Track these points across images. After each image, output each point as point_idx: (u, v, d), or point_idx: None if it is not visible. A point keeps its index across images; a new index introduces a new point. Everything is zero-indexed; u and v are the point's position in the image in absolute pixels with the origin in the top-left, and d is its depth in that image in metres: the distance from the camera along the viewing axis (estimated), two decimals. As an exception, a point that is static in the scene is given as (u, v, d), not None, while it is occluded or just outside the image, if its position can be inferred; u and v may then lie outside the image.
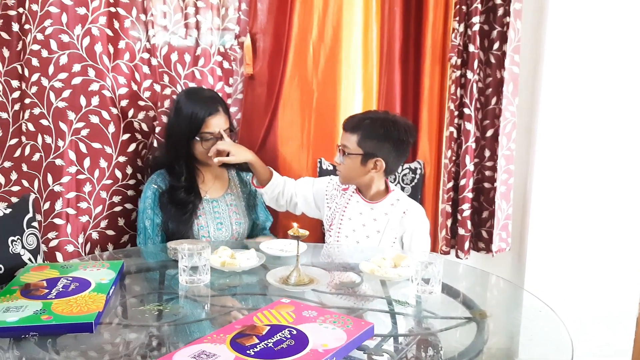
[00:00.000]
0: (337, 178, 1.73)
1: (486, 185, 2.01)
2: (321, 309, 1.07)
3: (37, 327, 1.01)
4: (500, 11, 1.90)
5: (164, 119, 1.86)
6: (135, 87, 1.84)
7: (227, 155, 1.71)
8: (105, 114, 1.78)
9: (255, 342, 0.91)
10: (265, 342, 0.91)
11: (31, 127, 1.70)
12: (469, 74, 1.91)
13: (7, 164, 1.70)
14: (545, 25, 1.94)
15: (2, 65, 1.67)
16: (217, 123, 1.71)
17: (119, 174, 1.83)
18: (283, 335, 0.93)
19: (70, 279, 1.22)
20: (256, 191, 1.84)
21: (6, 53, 1.67)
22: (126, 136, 1.83)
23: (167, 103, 1.87)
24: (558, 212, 2.01)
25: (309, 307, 1.07)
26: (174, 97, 1.86)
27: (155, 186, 1.73)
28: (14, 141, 1.71)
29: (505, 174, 2.00)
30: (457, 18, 1.89)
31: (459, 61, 1.92)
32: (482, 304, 1.26)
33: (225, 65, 1.95)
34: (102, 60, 1.76)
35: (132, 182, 1.86)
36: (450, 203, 2.01)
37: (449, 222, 2.02)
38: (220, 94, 1.85)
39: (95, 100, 1.76)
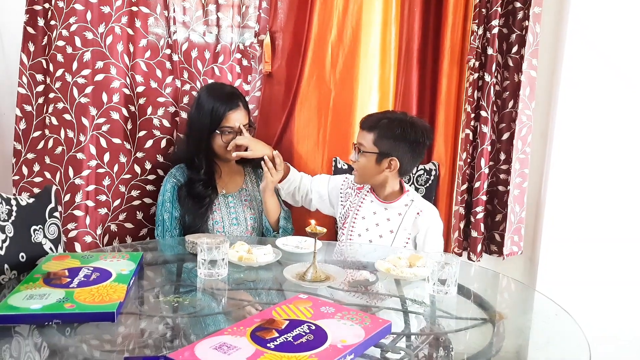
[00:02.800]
0: (353, 177, 1.74)
1: (500, 188, 2.01)
2: (339, 306, 1.08)
3: (60, 314, 1.03)
4: (520, 15, 1.89)
5: (183, 114, 1.88)
6: (155, 84, 1.86)
7: (246, 150, 1.73)
8: (125, 111, 1.81)
9: (275, 335, 0.92)
10: (285, 336, 0.93)
11: (54, 121, 1.73)
12: (487, 77, 1.91)
13: (30, 156, 1.74)
14: (564, 29, 1.94)
15: (27, 59, 1.71)
16: (237, 118, 1.74)
17: (137, 169, 1.86)
18: (302, 330, 0.95)
19: (91, 268, 1.24)
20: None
21: (31, 47, 1.70)
22: (145, 132, 1.86)
23: (186, 99, 1.90)
24: (571, 217, 2.00)
25: (326, 303, 1.08)
26: (194, 93, 1.88)
27: (175, 180, 1.76)
28: (37, 134, 1.74)
29: (520, 178, 2.00)
30: (477, 21, 1.89)
31: (477, 64, 1.92)
32: (496, 305, 1.27)
33: (244, 62, 1.96)
34: (122, 58, 1.79)
35: (151, 177, 1.88)
36: (463, 205, 2.01)
37: (462, 224, 2.02)
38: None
39: (116, 97, 1.79)
